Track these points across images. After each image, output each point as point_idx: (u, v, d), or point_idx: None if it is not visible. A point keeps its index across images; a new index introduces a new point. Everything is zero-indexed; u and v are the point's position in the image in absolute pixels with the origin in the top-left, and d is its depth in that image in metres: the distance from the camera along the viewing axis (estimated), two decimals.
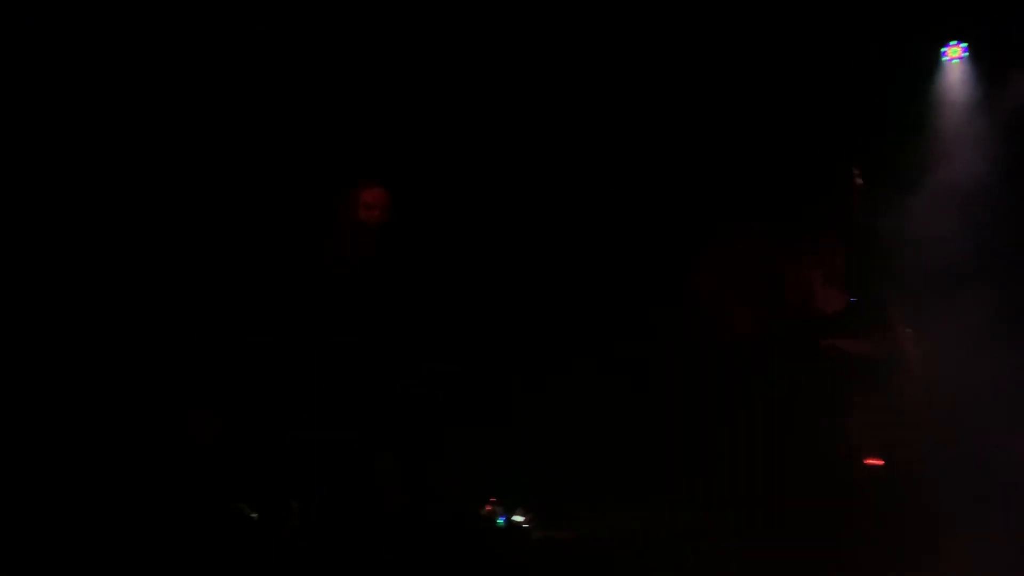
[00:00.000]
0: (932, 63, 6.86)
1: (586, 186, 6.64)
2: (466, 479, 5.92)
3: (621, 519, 6.18)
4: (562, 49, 6.55)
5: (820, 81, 6.61)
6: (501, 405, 6.22)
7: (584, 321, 6.70)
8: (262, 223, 5.64)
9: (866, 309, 5.97)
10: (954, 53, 6.84)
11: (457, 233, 5.69)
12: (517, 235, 6.47)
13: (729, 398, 6.21)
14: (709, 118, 6.64)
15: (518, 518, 6.16)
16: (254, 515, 5.35)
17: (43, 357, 5.45)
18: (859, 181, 6.08)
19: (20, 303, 5.62)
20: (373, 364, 5.20)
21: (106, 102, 5.85)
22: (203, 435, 5.39)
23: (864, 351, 6.00)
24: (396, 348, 5.21)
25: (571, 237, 6.66)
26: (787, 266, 6.18)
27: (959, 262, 6.25)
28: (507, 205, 6.47)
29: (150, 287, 5.62)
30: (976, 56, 6.83)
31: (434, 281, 5.26)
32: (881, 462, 6.14)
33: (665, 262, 6.60)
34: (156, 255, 5.67)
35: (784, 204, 6.22)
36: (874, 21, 6.60)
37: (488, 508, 6.17)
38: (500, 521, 6.16)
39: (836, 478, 6.00)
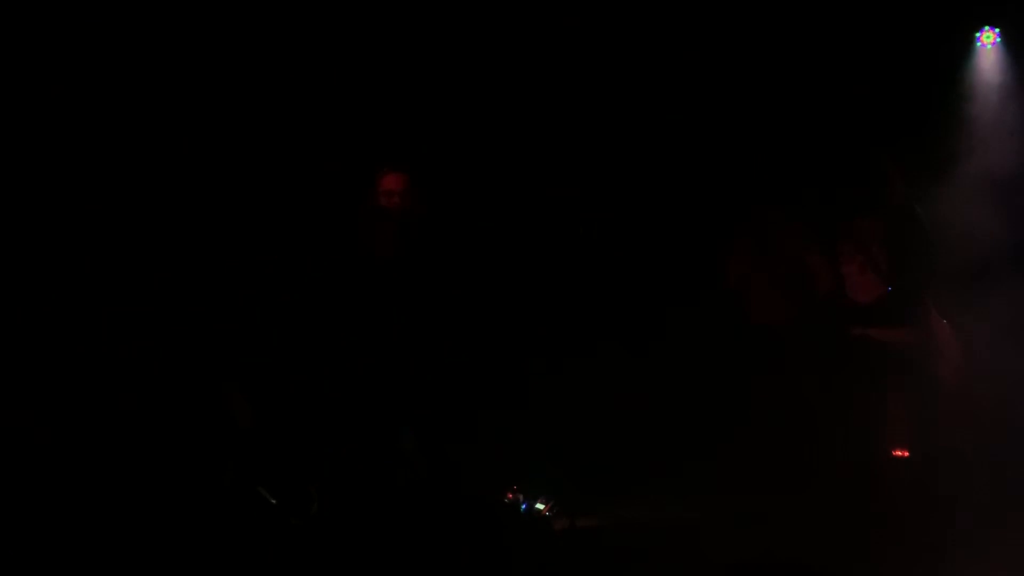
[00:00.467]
0: (966, 48, 6.79)
1: (620, 168, 6.58)
2: (488, 465, 5.88)
3: (646, 508, 6.13)
4: (597, 33, 6.50)
5: (855, 67, 6.54)
6: (524, 391, 6.17)
7: (613, 306, 6.65)
8: (283, 208, 5.60)
9: (902, 299, 5.88)
10: (988, 39, 6.77)
11: (490, 215, 5.65)
12: (546, 218, 6.42)
13: (759, 385, 6.15)
14: (747, 104, 6.58)
15: (540, 506, 6.11)
16: (274, 500, 5.31)
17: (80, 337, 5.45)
18: (896, 169, 5.99)
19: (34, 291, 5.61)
20: (399, 347, 5.16)
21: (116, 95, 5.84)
22: (232, 418, 5.37)
23: (898, 341, 5.92)
24: (422, 331, 5.17)
25: (603, 220, 6.60)
26: (822, 253, 6.11)
27: (995, 252, 6.17)
28: (533, 188, 6.41)
29: (178, 272, 5.61)
30: (1009, 41, 6.75)
31: (462, 264, 5.23)
32: (907, 453, 6.07)
33: (699, 247, 6.54)
34: (178, 243, 5.67)
35: (821, 190, 6.16)
36: (908, 6, 6.53)
37: (509, 496, 6.12)
38: (522, 508, 6.11)
39: (862, 469, 5.94)
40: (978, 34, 6.79)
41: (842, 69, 6.67)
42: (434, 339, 5.20)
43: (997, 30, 6.74)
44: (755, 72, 6.71)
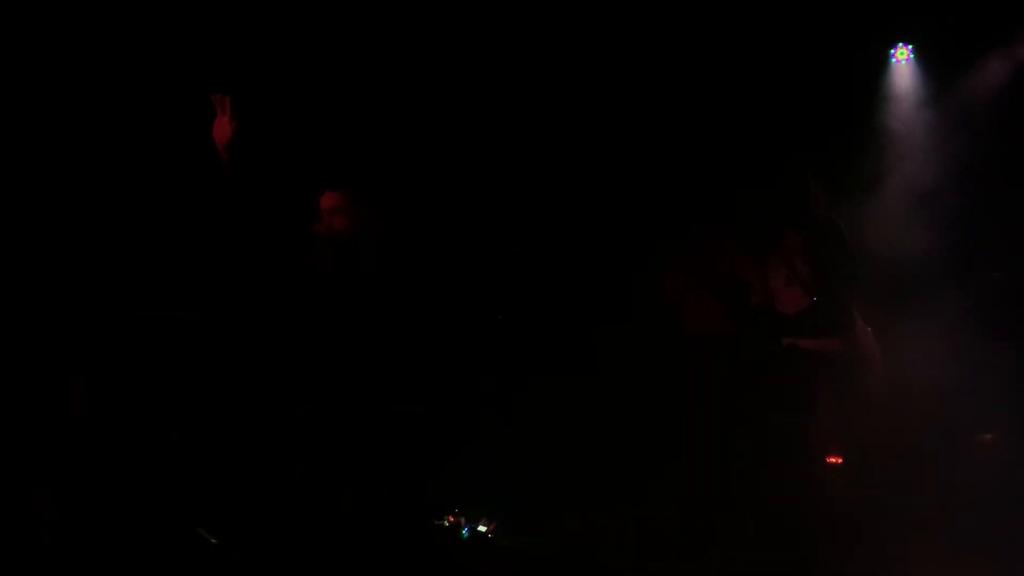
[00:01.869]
0: (881, 64, 6.97)
1: (550, 190, 6.62)
2: (427, 490, 5.86)
3: (587, 524, 6.16)
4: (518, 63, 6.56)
5: (773, 81, 6.67)
6: (463, 412, 6.17)
7: (548, 325, 6.68)
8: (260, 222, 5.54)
9: (827, 310, 6.00)
10: (901, 55, 6.96)
11: (426, 241, 5.64)
12: (479, 239, 6.43)
13: (691, 398, 6.22)
14: (668, 120, 6.67)
15: (482, 528, 6.10)
16: (213, 540, 5.24)
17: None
18: (815, 182, 6.12)
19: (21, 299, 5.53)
20: (337, 374, 5.12)
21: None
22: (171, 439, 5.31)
23: (826, 350, 6.03)
24: (361, 357, 5.14)
25: (532, 242, 6.63)
26: (748, 267, 6.20)
27: (915, 261, 6.34)
28: (471, 209, 6.43)
29: (150, 284, 5.57)
30: (922, 57, 6.95)
31: (400, 286, 5.20)
32: (840, 460, 6.19)
33: (627, 263, 6.60)
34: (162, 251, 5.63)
35: (744, 205, 6.26)
36: (824, 22, 6.69)
37: (451, 519, 6.10)
38: (464, 532, 6.09)
39: (797, 476, 6.04)
40: (892, 50, 6.98)
41: (761, 82, 6.80)
42: (374, 360, 5.16)
43: (911, 46, 6.94)
44: (678, 87, 6.81)
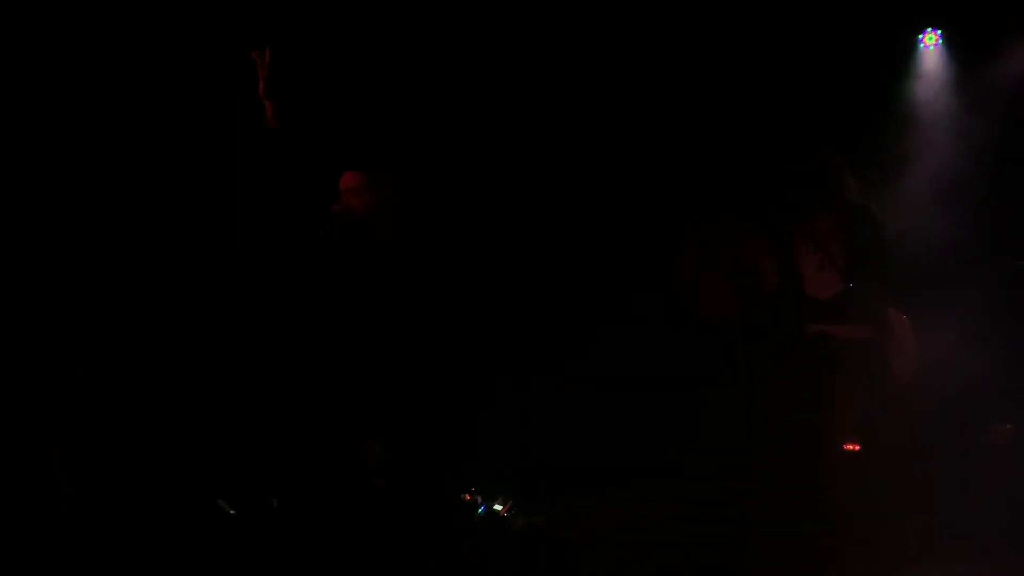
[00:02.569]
0: (909, 50, 6.92)
1: (568, 171, 6.62)
2: (445, 468, 5.88)
3: (602, 506, 6.17)
4: (530, 45, 6.55)
5: (802, 67, 6.63)
6: (479, 392, 6.18)
7: (565, 307, 6.68)
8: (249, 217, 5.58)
9: (859, 295, 5.95)
10: (930, 40, 6.89)
11: (436, 225, 5.64)
12: (490, 224, 6.44)
13: (715, 382, 6.21)
14: (699, 103, 6.65)
15: (497, 507, 6.12)
16: (232, 511, 5.28)
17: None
18: (847, 167, 6.08)
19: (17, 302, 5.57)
20: (359, 354, 5.13)
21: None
22: (188, 432, 5.32)
23: (855, 337, 5.99)
24: (379, 340, 5.16)
25: (548, 222, 6.63)
26: (779, 251, 6.17)
27: (940, 248, 6.29)
28: (479, 194, 6.44)
29: (137, 284, 5.59)
30: (951, 42, 6.88)
31: (413, 273, 5.21)
32: (857, 447, 6.16)
33: (653, 245, 6.59)
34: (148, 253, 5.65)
35: (777, 189, 6.23)
36: (854, 6, 6.64)
37: (467, 497, 6.13)
38: (479, 511, 6.12)
39: (814, 463, 6.02)
40: (920, 36, 6.91)
41: (789, 69, 6.76)
42: (398, 344, 5.18)
43: (940, 32, 6.87)
44: (706, 73, 6.78)
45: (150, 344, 5.51)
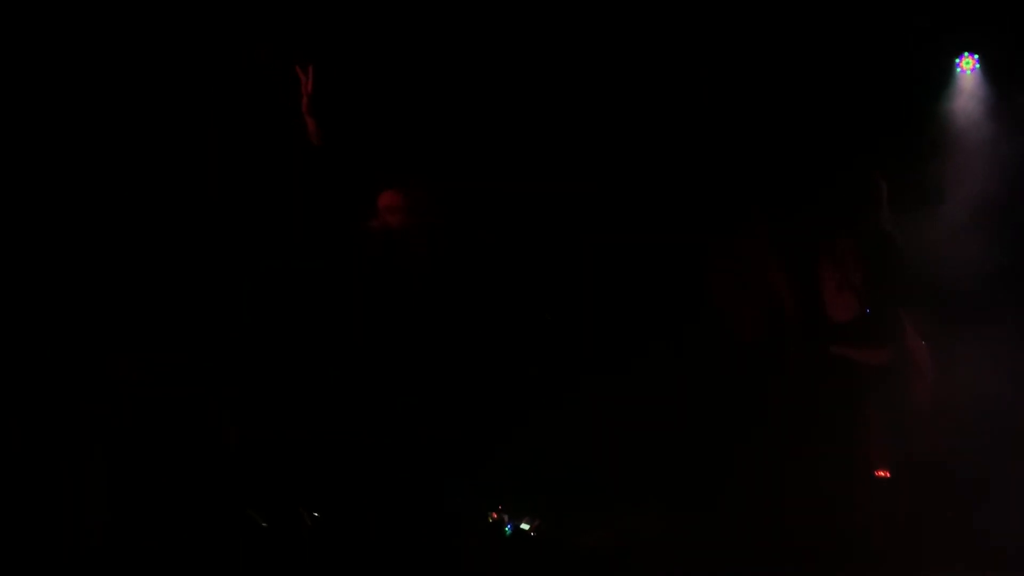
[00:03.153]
0: (946, 74, 6.89)
1: (601, 190, 6.62)
2: (473, 485, 5.88)
3: (631, 525, 6.16)
4: (564, 51, 6.56)
5: (836, 88, 6.62)
6: (508, 408, 6.18)
7: (595, 323, 6.68)
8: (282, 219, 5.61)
9: (879, 319, 5.94)
10: (967, 65, 6.86)
11: (473, 243, 5.67)
12: (526, 241, 6.45)
13: (738, 401, 6.19)
14: (730, 121, 6.64)
15: (525, 526, 6.11)
16: (264, 524, 5.29)
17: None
18: (880, 190, 6.05)
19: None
20: (388, 367, 5.16)
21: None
22: (229, 434, 5.35)
23: (875, 360, 5.97)
24: (410, 351, 5.18)
25: (582, 237, 6.64)
26: (801, 270, 6.16)
27: (977, 275, 6.25)
28: (516, 212, 6.45)
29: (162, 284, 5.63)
30: (988, 67, 6.85)
31: (449, 291, 5.23)
32: (888, 474, 6.13)
33: (679, 263, 6.59)
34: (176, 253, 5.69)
35: (802, 209, 6.23)
36: (889, 30, 6.63)
37: (494, 516, 6.12)
38: (507, 529, 6.11)
39: (844, 488, 5.99)
40: (957, 60, 6.89)
41: (823, 89, 6.75)
42: (430, 360, 5.19)
43: (976, 56, 6.84)
44: (738, 90, 6.78)
45: (190, 346, 5.54)
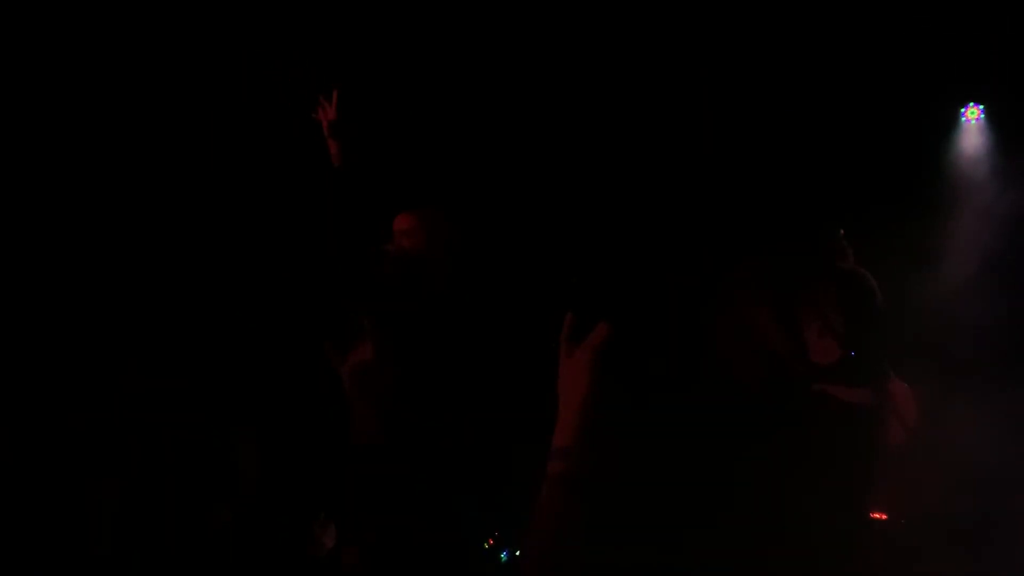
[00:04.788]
0: (951, 124, 6.98)
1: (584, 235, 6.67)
2: (468, 511, 5.87)
3: (624, 553, 6.15)
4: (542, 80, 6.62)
5: (839, 133, 6.69)
6: (511, 433, 6.19)
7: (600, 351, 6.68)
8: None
9: (861, 363, 6.00)
10: (972, 115, 6.96)
11: (489, 267, 5.69)
12: (542, 264, 6.48)
13: (725, 443, 6.21)
14: (722, 166, 6.71)
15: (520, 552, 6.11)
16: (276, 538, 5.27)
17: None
18: (845, 237, 6.16)
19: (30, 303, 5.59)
20: (410, 393, 5.15)
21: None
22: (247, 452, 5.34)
23: (853, 400, 6.03)
24: (432, 379, 5.18)
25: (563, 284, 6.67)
26: (784, 314, 6.21)
27: (980, 327, 6.31)
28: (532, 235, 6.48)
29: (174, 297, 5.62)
30: (993, 117, 6.95)
31: (465, 314, 5.24)
32: (884, 516, 6.16)
33: (666, 306, 6.63)
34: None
35: (788, 254, 6.29)
36: (894, 78, 6.71)
37: (491, 542, 6.11)
38: (503, 556, 6.11)
39: (839, 530, 6.01)
40: (963, 110, 6.98)
41: (824, 134, 6.82)
42: (435, 378, 5.18)
43: (981, 106, 6.94)
44: (738, 140, 6.85)
45: (204, 360, 5.53)
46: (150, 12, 5.82)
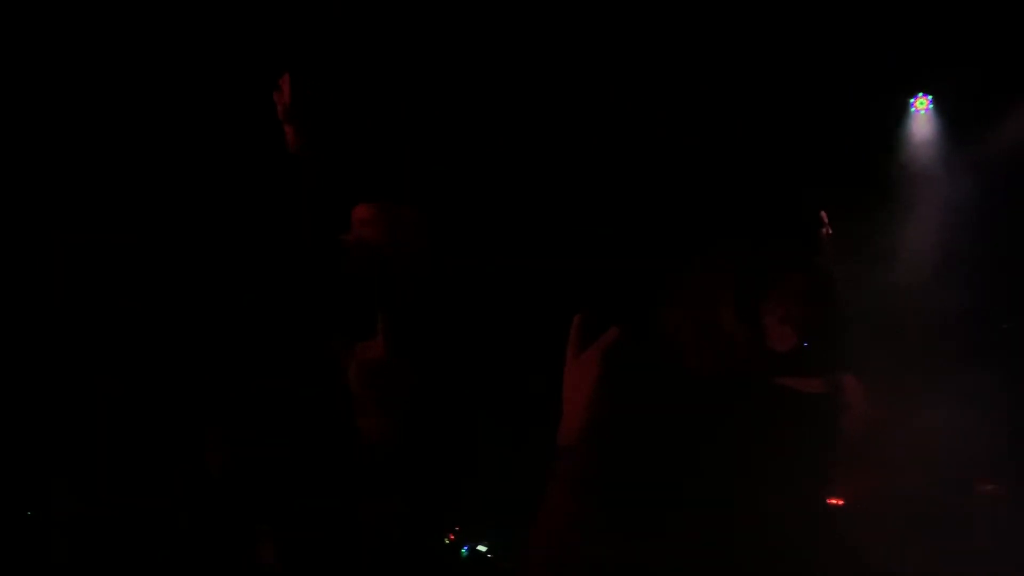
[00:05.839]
0: (900, 113, 7.06)
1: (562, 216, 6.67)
2: (428, 505, 5.82)
3: (627, 555, 6.12)
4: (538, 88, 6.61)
5: (789, 123, 6.74)
6: (469, 428, 6.15)
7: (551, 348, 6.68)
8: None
9: (816, 352, 6.06)
10: (921, 105, 7.04)
11: (451, 257, 5.64)
12: (504, 253, 6.46)
13: (690, 431, 6.22)
14: (685, 152, 6.74)
15: (482, 548, 6.07)
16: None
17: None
18: (827, 228, 6.19)
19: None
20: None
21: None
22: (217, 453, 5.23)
23: (806, 389, 6.09)
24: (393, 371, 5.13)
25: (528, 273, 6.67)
26: (745, 301, 6.24)
27: (927, 312, 6.38)
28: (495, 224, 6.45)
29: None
30: (942, 108, 7.03)
31: (426, 305, 5.18)
32: (841, 501, 6.22)
33: (627, 293, 6.65)
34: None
35: (750, 243, 6.32)
36: (846, 71, 6.77)
37: (451, 537, 6.06)
38: (463, 551, 6.05)
39: (799, 518, 6.04)
40: (912, 100, 7.06)
41: (777, 127, 6.87)
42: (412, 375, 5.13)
43: (930, 97, 7.02)
44: (695, 126, 6.88)
45: (173, 359, 5.44)
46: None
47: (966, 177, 6.76)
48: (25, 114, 5.66)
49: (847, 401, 6.05)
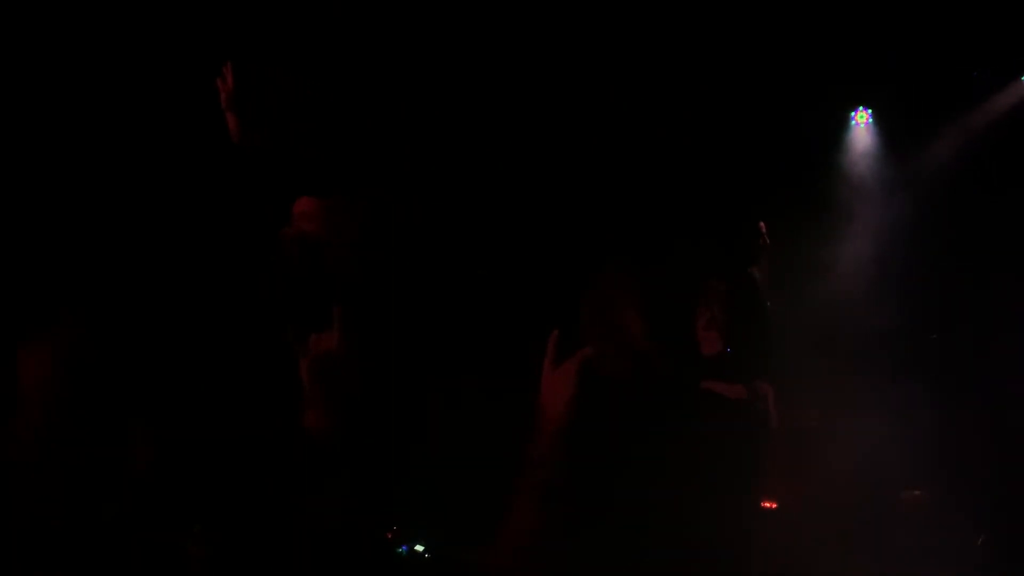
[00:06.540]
0: (840, 127, 7.17)
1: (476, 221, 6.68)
2: (366, 502, 5.83)
3: (595, 558, 6.16)
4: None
5: (730, 137, 6.81)
6: (420, 422, 6.17)
7: (505, 344, 6.73)
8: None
9: (738, 358, 6.17)
10: (861, 118, 7.17)
11: (392, 252, 5.65)
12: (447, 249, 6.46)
13: (616, 437, 6.28)
14: (625, 158, 6.78)
15: (419, 547, 6.09)
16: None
17: None
18: (763, 241, 6.29)
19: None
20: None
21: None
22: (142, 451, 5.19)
23: (732, 394, 6.19)
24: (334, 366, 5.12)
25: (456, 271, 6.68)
26: (674, 304, 6.30)
27: (863, 323, 6.50)
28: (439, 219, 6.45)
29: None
30: (881, 120, 7.16)
31: (365, 301, 5.18)
32: (775, 504, 6.33)
33: (557, 292, 6.68)
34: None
35: (679, 251, 6.39)
36: (788, 85, 6.84)
37: (388, 536, 6.08)
38: (401, 550, 6.07)
39: (734, 522, 6.14)
40: (852, 113, 7.18)
41: (718, 137, 6.93)
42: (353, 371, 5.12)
43: (870, 110, 7.15)
44: (643, 133, 6.92)
45: (97, 349, 5.38)
46: None
47: (902, 192, 6.90)
48: None
49: (766, 412, 6.17)
